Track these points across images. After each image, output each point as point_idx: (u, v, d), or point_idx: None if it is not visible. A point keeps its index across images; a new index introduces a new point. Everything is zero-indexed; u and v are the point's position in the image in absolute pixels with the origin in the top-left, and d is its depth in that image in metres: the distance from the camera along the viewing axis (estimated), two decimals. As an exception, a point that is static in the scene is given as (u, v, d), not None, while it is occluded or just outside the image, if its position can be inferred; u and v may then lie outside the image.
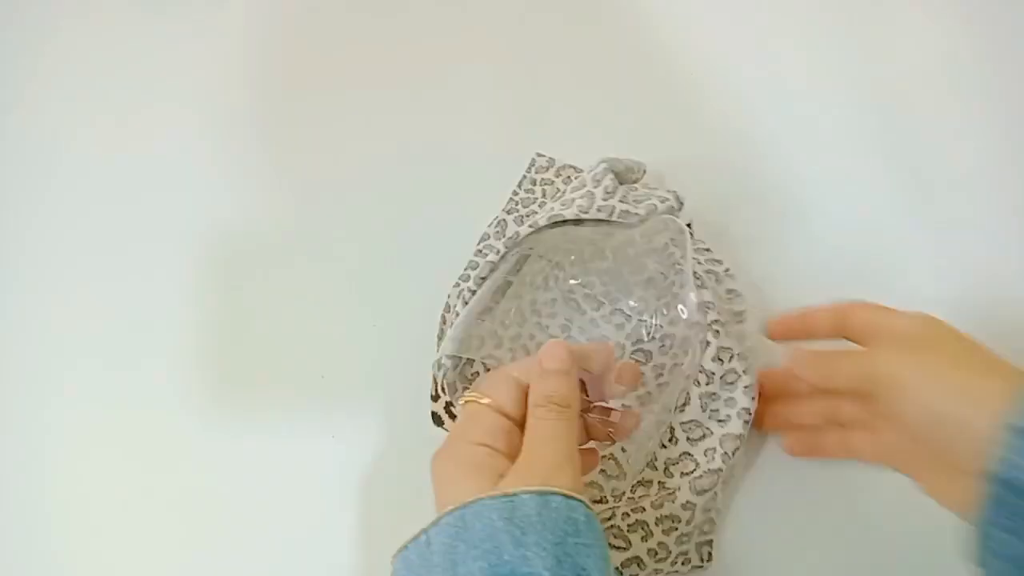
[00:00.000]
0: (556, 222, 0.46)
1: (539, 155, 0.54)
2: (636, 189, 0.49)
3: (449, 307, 0.48)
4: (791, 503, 0.46)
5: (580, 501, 0.33)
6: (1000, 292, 0.51)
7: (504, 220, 0.51)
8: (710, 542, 0.44)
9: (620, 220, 0.46)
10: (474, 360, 0.48)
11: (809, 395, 0.46)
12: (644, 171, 0.51)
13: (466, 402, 0.39)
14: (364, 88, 0.60)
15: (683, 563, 0.43)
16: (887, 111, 0.57)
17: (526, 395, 0.38)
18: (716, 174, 0.55)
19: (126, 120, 0.59)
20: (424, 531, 0.33)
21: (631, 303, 0.49)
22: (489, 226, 0.51)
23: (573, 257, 0.50)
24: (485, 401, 0.38)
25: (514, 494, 0.32)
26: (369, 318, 0.52)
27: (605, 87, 0.59)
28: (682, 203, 0.48)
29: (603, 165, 0.48)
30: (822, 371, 0.42)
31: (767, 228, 0.54)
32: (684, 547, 0.43)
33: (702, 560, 0.44)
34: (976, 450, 0.35)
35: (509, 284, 0.48)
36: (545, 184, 0.53)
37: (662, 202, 0.47)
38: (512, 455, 0.36)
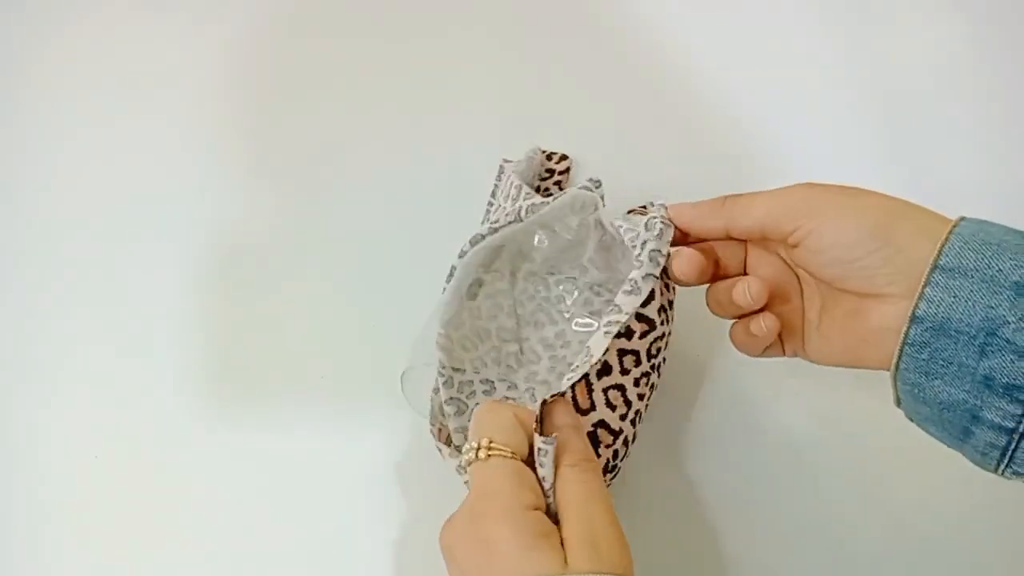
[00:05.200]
0: (475, 242, 0.46)
1: (507, 161, 0.53)
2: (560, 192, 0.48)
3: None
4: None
5: None
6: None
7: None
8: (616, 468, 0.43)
9: (529, 214, 0.45)
10: (464, 369, 0.47)
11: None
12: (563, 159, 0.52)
13: (490, 455, 0.34)
14: (365, 89, 0.60)
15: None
16: (890, 116, 0.57)
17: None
18: (717, 182, 0.55)
19: (126, 121, 0.59)
20: None
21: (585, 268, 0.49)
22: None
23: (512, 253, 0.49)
24: (516, 456, 0.34)
25: None
26: (369, 318, 0.52)
27: (607, 91, 0.60)
28: (599, 183, 0.46)
29: (511, 179, 0.48)
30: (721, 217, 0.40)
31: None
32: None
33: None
34: (895, 285, 0.35)
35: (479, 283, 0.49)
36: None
37: (578, 187, 0.46)
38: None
